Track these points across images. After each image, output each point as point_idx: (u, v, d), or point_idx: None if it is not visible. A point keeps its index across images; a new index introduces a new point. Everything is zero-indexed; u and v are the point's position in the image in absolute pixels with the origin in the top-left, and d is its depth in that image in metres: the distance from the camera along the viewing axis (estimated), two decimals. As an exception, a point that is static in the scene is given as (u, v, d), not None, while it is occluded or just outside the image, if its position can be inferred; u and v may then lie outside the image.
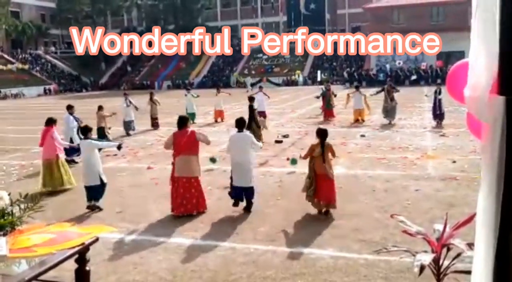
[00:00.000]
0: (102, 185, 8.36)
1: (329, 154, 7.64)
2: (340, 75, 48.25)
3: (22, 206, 3.84)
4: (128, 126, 17.93)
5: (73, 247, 3.72)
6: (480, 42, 1.65)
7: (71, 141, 12.19)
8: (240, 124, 8.16)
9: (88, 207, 8.27)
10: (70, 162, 11.56)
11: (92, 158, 8.34)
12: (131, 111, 18.06)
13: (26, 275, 3.29)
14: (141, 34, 64.25)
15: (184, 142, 7.79)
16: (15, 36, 58.06)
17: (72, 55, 63.72)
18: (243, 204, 8.00)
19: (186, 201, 7.82)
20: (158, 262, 6.04)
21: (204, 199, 8.04)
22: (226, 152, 8.36)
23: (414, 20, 45.20)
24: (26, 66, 54.76)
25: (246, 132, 8.24)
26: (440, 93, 16.89)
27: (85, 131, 8.64)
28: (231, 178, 8.08)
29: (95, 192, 8.31)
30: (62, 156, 10.16)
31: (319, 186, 7.58)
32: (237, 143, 7.89)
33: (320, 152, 7.50)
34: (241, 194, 7.92)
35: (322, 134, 7.59)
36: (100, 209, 8.30)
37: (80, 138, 12.01)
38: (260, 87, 20.20)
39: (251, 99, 14.99)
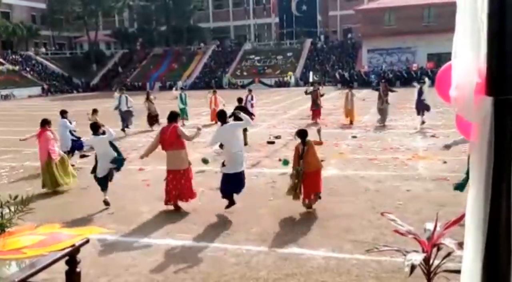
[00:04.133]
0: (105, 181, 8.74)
1: (315, 146, 7.87)
2: (332, 76, 48.37)
3: (12, 208, 3.81)
4: (125, 117, 18.32)
5: (64, 249, 3.69)
6: (463, 43, 1.67)
7: (72, 144, 12.36)
8: (222, 116, 8.17)
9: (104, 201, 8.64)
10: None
11: (108, 152, 8.68)
12: (125, 103, 18.58)
13: (16, 277, 3.26)
14: (132, 35, 64.51)
15: (168, 137, 8.13)
16: (5, 37, 57.48)
17: (63, 56, 63.37)
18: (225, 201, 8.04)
19: (179, 191, 8.15)
20: (150, 263, 6.02)
21: (190, 192, 8.30)
22: (210, 144, 8.64)
23: (406, 22, 45.46)
24: (17, 68, 54.28)
25: (230, 123, 8.24)
26: (422, 88, 17.09)
27: (95, 128, 8.90)
28: (222, 185, 8.03)
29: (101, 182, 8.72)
30: (57, 157, 10.11)
31: (307, 184, 7.75)
32: (229, 135, 7.89)
33: (303, 150, 7.76)
34: (234, 186, 7.95)
35: (301, 134, 7.87)
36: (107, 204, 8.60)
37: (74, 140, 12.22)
38: (250, 90, 20.19)
39: (240, 100, 15.29)
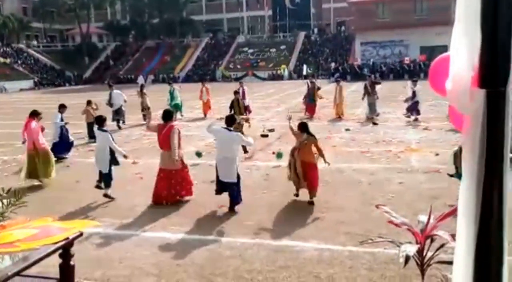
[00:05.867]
0: (109, 176, 8.66)
1: (313, 147, 7.92)
2: (326, 69, 48.36)
3: (5, 201, 3.79)
4: (118, 114, 18.02)
5: (57, 242, 3.68)
6: (461, 34, 1.66)
7: (61, 140, 12.30)
8: (229, 121, 8.03)
9: (96, 186, 8.69)
10: (60, 158, 11.95)
11: (106, 149, 8.61)
12: (118, 100, 18.22)
13: (9, 270, 3.26)
14: (125, 28, 64.01)
15: (162, 136, 8.12)
16: (-4, 29, 56.95)
17: (55, 49, 62.77)
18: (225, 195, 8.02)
19: (167, 191, 8.16)
20: (144, 256, 6.02)
21: (185, 188, 8.36)
22: (206, 128, 8.40)
23: (399, 15, 45.49)
24: (8, 60, 53.75)
25: (235, 132, 8.09)
26: (416, 87, 17.03)
27: (101, 121, 8.87)
28: (217, 176, 8.00)
29: (104, 179, 8.67)
30: (41, 146, 10.06)
31: (305, 174, 7.88)
32: (224, 140, 7.80)
33: (304, 140, 7.85)
34: (226, 187, 7.92)
35: (303, 126, 7.99)
36: (111, 199, 8.52)
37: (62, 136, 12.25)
38: (241, 82, 20.14)
39: (236, 93, 15.19)
